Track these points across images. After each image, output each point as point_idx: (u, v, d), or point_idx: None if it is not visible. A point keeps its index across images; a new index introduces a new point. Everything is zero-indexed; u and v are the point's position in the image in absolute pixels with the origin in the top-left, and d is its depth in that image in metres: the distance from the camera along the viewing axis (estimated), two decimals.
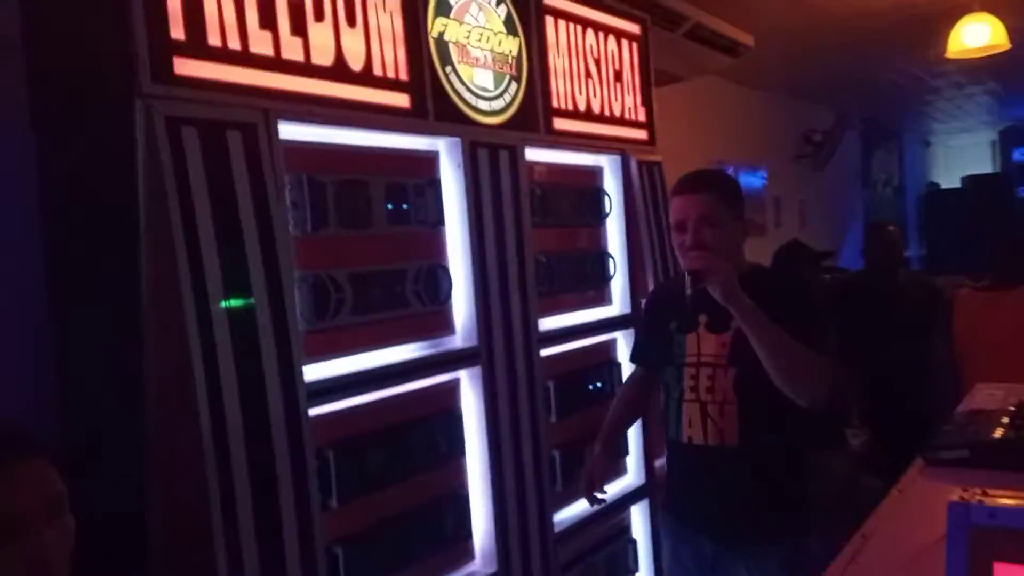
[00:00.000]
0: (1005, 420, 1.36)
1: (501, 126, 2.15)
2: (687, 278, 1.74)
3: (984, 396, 1.85)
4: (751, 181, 6.29)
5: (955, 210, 9.42)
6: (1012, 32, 4.20)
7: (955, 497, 0.74)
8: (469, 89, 2.04)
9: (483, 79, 2.09)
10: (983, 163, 10.97)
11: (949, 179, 10.83)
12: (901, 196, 9.87)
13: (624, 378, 2.63)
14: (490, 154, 2.10)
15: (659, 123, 2.95)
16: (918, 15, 4.47)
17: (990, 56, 4.52)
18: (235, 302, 1.46)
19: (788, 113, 6.89)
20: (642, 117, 2.85)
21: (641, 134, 2.83)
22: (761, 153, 6.37)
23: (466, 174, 2.01)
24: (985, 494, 0.74)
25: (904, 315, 3.37)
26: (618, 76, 2.73)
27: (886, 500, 1.37)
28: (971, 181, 9.96)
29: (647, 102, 2.88)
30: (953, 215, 9.38)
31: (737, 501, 1.81)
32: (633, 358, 2.23)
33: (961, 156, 11.24)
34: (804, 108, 7.09)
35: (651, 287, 2.68)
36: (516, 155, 2.19)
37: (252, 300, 1.48)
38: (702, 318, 1.85)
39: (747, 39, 4.43)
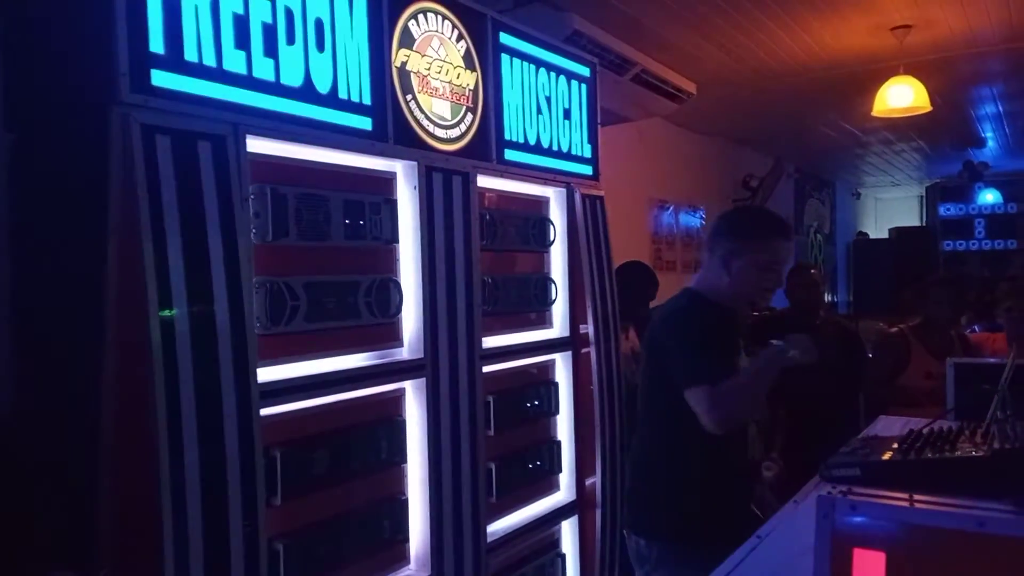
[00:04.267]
0: (895, 445, 1.53)
1: (456, 153, 2.28)
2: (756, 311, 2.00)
3: (884, 425, 2.05)
4: (690, 220, 6.57)
5: (881, 259, 9.94)
6: (935, 95, 4.55)
7: (824, 492, 0.88)
8: (428, 117, 2.17)
9: (441, 108, 2.23)
10: (910, 216, 11.57)
11: (877, 230, 11.39)
12: (831, 243, 10.34)
13: (571, 397, 2.79)
14: (444, 179, 2.23)
15: (605, 160, 3.13)
16: (849, 74, 4.80)
17: (917, 116, 4.87)
18: (196, 303, 1.54)
19: (727, 158, 7.22)
20: (588, 154, 3.02)
21: (586, 169, 3.00)
22: (700, 194, 6.67)
23: (421, 196, 2.13)
24: (850, 492, 0.88)
25: (823, 352, 3.58)
26: (567, 114, 2.90)
27: (783, 508, 1.52)
28: (897, 233, 10.51)
29: (593, 140, 3.06)
30: (879, 264, 9.89)
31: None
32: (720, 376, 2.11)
33: (889, 208, 11.84)
34: (743, 154, 7.44)
35: (591, 313, 2.83)
36: (469, 181, 2.32)
37: (213, 302, 1.56)
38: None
39: (690, 86, 4.69)
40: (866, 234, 11.27)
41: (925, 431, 1.58)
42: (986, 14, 4.00)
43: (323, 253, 1.91)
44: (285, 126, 1.79)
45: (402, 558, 2.08)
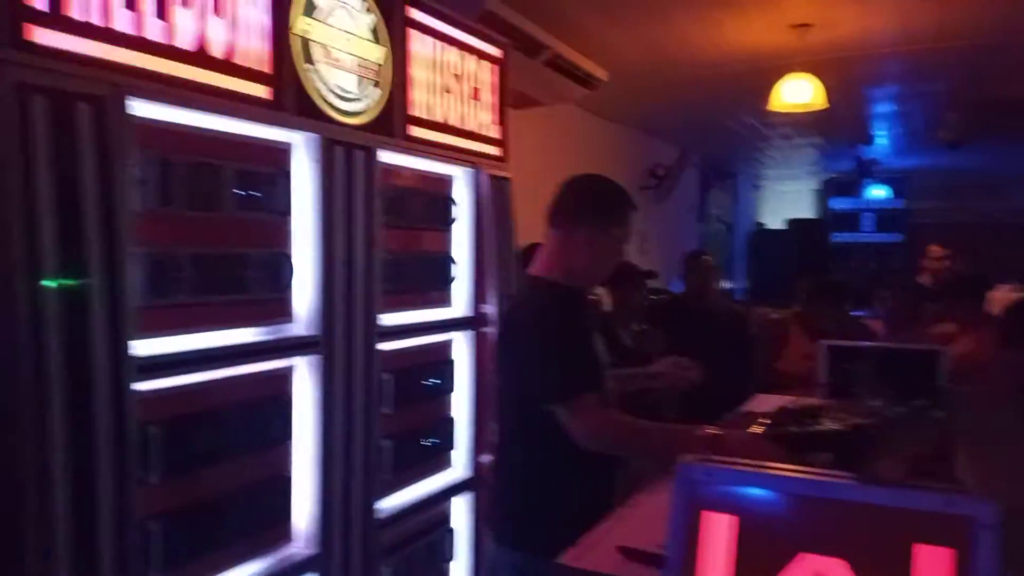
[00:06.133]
0: (765, 420, 1.63)
1: (358, 127, 2.25)
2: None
3: (759, 402, 2.17)
4: None
5: (778, 249, 10.39)
6: (832, 93, 4.77)
7: (685, 460, 0.93)
8: (330, 89, 2.13)
9: (344, 81, 2.19)
10: (807, 208, 12.15)
11: (775, 220, 11.92)
12: (732, 233, 10.74)
13: (470, 376, 2.78)
14: (346, 153, 2.19)
15: (517, 143, 3.14)
16: (751, 69, 4.98)
17: (814, 113, 5.09)
18: (69, 273, 1.47)
19: (636, 146, 7.38)
20: (496, 135, 3.02)
21: (494, 150, 3.01)
22: None
23: (321, 169, 2.09)
24: (708, 459, 0.93)
25: (713, 334, 3.76)
26: (476, 94, 2.89)
27: (660, 477, 1.61)
28: (794, 224, 11.03)
29: (502, 121, 3.06)
30: (776, 253, 10.34)
31: None
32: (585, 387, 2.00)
33: (787, 201, 12.40)
34: (651, 143, 7.62)
35: (493, 293, 2.86)
36: (371, 156, 2.29)
37: (87, 272, 1.49)
38: None
39: (602, 73, 4.76)
40: (764, 225, 11.77)
41: (793, 408, 1.69)
42: (883, 17, 4.22)
43: (212, 224, 1.85)
44: (175, 90, 1.72)
45: (287, 536, 2.06)
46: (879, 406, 1.53)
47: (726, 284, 10.31)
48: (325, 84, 2.11)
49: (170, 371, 1.72)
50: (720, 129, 7.49)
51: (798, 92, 4.55)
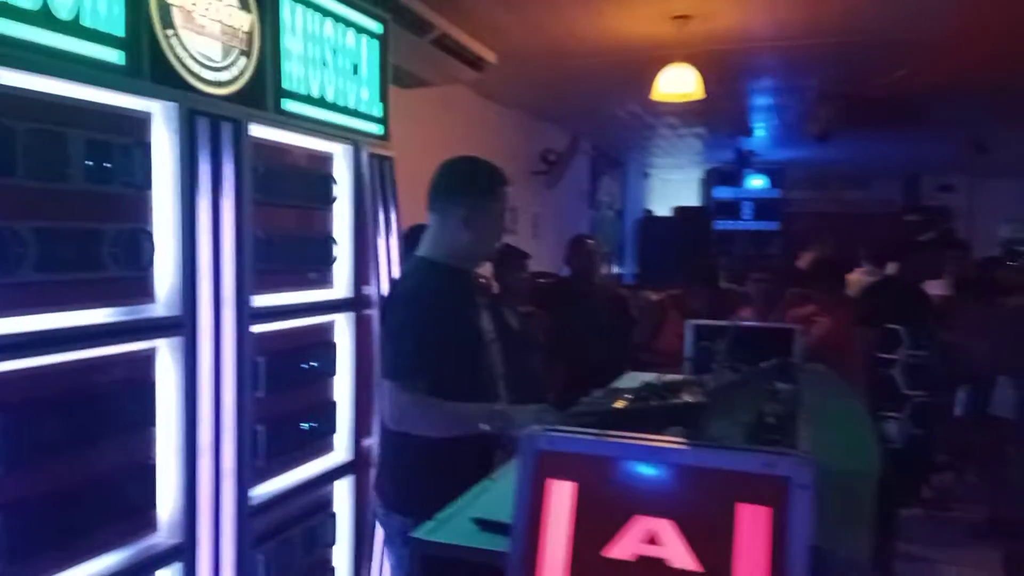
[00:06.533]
0: (629, 396, 1.69)
1: (225, 98, 2.15)
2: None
3: (628, 379, 2.24)
4: None
5: (665, 235, 10.79)
6: (713, 85, 4.95)
7: (531, 430, 0.95)
8: (192, 56, 2.02)
9: (209, 48, 2.08)
10: (693, 197, 12.62)
11: (663, 208, 12.32)
12: (621, 219, 11.03)
13: (351, 358, 2.74)
14: (211, 124, 2.09)
15: (407, 123, 3.10)
16: (635, 59, 5.10)
17: (697, 104, 5.27)
18: None
19: (528, 131, 7.44)
20: (378, 112, 2.97)
21: (376, 128, 2.95)
22: (501, 165, 6.81)
23: (182, 140, 1.99)
24: (551, 429, 0.95)
25: (596, 316, 3.86)
26: (356, 69, 2.83)
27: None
28: (680, 211, 11.45)
29: (384, 99, 3.01)
30: (664, 239, 10.74)
31: None
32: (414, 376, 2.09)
33: (674, 189, 12.84)
34: (543, 128, 7.70)
35: (375, 274, 2.81)
36: (241, 129, 2.20)
37: None
38: None
39: (491, 56, 4.75)
40: (652, 212, 12.15)
41: (657, 383, 1.75)
42: (757, 11, 4.40)
43: (61, 197, 1.73)
44: (14, 52, 1.59)
45: (150, 525, 1.97)
46: (727, 379, 1.62)
47: (616, 269, 10.60)
48: (187, 51, 2.01)
49: (13, 353, 1.60)
50: (609, 117, 7.65)
51: (678, 82, 4.69)
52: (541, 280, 4.28)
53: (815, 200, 11.88)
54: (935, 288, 4.14)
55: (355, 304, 2.79)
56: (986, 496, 4.28)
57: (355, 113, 2.82)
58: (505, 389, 2.23)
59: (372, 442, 2.78)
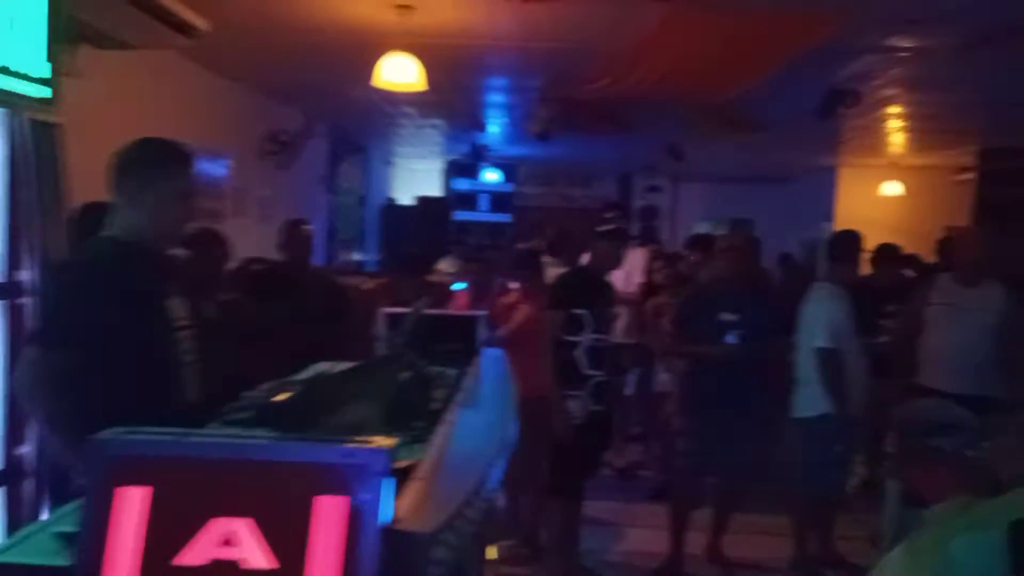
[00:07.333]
0: (296, 387, 1.63)
1: None
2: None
3: (316, 369, 2.18)
4: (212, 169, 6.26)
5: (408, 223, 10.93)
6: (442, 78, 4.97)
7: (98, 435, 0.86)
8: None
9: None
10: (435, 187, 12.83)
11: (407, 196, 12.39)
12: (363, 206, 10.92)
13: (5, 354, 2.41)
14: None
15: (104, 89, 2.76)
16: (357, 43, 5.00)
17: (433, 97, 5.26)
18: None
19: (255, 108, 7.05)
20: (45, 73, 2.62)
21: (41, 91, 2.60)
22: (224, 142, 6.38)
23: None
24: (122, 433, 0.88)
25: (305, 302, 3.77)
26: (13, 23, 2.46)
27: None
28: (422, 201, 11.61)
29: (54, 58, 2.66)
30: (406, 227, 10.86)
31: None
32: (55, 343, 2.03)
33: (418, 178, 12.97)
34: (272, 107, 7.34)
35: (33, 258, 2.48)
36: None
37: None
38: None
39: (202, 23, 4.39)
40: (395, 200, 12.19)
41: (332, 371, 1.71)
42: (478, 9, 4.51)
43: None
44: None
45: None
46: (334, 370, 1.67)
47: (357, 256, 10.48)
48: None
49: None
50: (345, 100, 7.46)
51: (399, 71, 4.66)
52: (254, 266, 4.07)
53: (544, 195, 12.66)
54: (618, 278, 4.59)
55: (6, 291, 2.44)
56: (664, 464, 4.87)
57: (11, 72, 2.46)
58: (194, 378, 2.18)
59: (27, 450, 2.46)
